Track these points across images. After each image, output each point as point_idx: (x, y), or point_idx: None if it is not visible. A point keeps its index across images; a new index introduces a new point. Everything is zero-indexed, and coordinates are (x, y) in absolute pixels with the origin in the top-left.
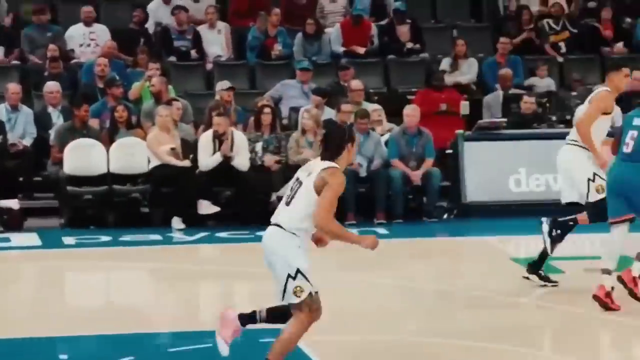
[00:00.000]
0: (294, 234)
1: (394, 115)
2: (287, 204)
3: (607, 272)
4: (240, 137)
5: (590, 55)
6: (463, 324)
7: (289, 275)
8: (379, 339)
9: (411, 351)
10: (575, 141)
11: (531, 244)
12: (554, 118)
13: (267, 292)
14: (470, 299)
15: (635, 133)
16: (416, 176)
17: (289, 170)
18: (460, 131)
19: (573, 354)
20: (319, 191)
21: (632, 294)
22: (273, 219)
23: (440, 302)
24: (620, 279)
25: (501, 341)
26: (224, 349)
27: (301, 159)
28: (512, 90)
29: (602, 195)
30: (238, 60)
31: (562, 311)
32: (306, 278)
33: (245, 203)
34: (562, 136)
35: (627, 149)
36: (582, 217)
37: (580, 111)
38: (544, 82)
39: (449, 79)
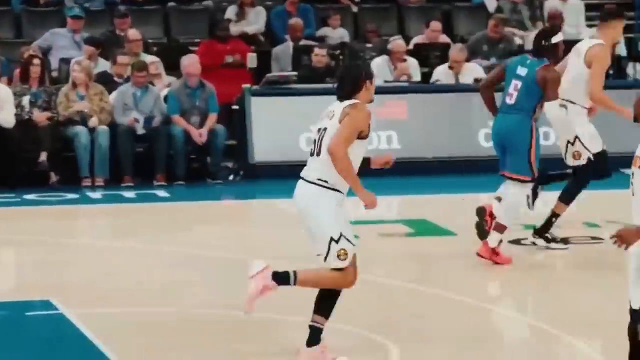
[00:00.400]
0: (335, 189)
1: (175, 68)
2: (318, 154)
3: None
4: (5, 91)
5: (387, 5)
6: None
7: (332, 239)
8: (161, 311)
9: (195, 324)
10: (565, 100)
11: None
12: None
13: (35, 261)
14: None
15: (519, 84)
16: (199, 135)
17: (59, 127)
18: (247, 85)
19: (363, 322)
20: None
21: None
22: (307, 174)
23: (228, 271)
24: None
25: (296, 312)
26: None
27: (73, 113)
28: (303, 42)
29: (581, 163)
30: (2, 7)
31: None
32: (348, 240)
33: (11, 163)
34: None
35: (511, 100)
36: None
37: (576, 67)
38: (337, 33)
39: (235, 29)
